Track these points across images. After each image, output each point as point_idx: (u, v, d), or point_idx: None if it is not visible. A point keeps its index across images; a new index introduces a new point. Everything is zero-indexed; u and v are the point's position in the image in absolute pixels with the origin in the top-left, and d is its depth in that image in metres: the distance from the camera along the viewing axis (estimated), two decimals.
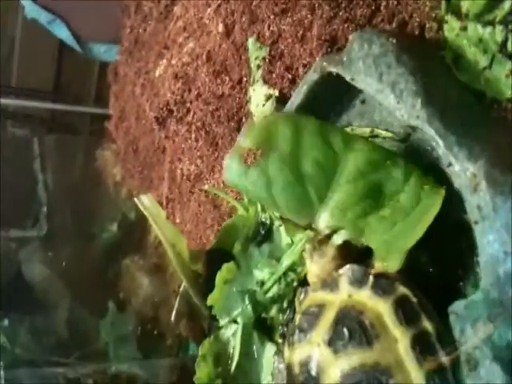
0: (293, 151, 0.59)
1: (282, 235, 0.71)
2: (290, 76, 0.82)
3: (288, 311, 0.68)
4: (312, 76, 0.65)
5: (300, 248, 0.66)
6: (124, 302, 1.64)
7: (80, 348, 1.54)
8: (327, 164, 0.58)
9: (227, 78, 0.99)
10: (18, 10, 2.00)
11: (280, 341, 0.69)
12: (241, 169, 0.61)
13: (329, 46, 0.74)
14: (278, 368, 0.66)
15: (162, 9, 1.36)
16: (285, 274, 0.68)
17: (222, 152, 1.01)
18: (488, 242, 0.46)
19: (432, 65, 0.55)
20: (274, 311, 0.70)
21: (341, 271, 0.55)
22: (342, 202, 0.57)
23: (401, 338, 0.49)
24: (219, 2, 1.04)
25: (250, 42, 0.90)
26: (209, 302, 0.74)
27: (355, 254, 0.57)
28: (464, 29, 0.54)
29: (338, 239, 0.56)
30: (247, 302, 0.71)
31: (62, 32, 2.02)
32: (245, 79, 0.94)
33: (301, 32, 0.80)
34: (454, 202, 0.52)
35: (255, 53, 0.89)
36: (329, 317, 0.53)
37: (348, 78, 0.59)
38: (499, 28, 0.51)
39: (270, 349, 0.70)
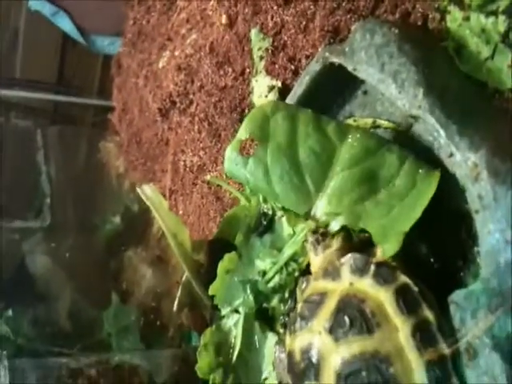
0: (289, 141, 0.60)
1: (284, 225, 0.71)
2: (292, 67, 0.82)
3: (289, 301, 0.68)
4: (314, 66, 0.65)
5: (301, 238, 0.66)
6: (127, 293, 1.65)
7: (83, 339, 1.55)
8: (323, 153, 0.58)
9: (230, 70, 0.99)
10: (22, 2, 2.00)
11: (281, 331, 0.69)
12: (240, 159, 0.62)
13: (331, 37, 0.74)
14: (280, 358, 0.66)
15: (166, 0, 1.36)
16: (286, 263, 0.68)
17: (225, 143, 1.01)
18: (489, 232, 0.46)
19: (434, 55, 0.55)
20: (275, 301, 0.71)
21: (343, 260, 0.55)
22: (338, 189, 0.58)
23: (401, 327, 0.49)
24: None
25: (253, 33, 0.90)
26: (210, 291, 0.74)
27: (358, 245, 0.57)
28: (467, 19, 0.54)
29: (336, 226, 0.57)
30: (249, 291, 0.71)
31: (66, 24, 2.02)
32: (247, 70, 0.93)
33: (304, 23, 0.80)
34: (455, 192, 0.52)
35: (258, 44, 0.89)
36: (330, 305, 0.53)
37: (350, 68, 0.59)
38: (502, 18, 0.51)
39: (271, 338, 0.70)
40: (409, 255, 0.55)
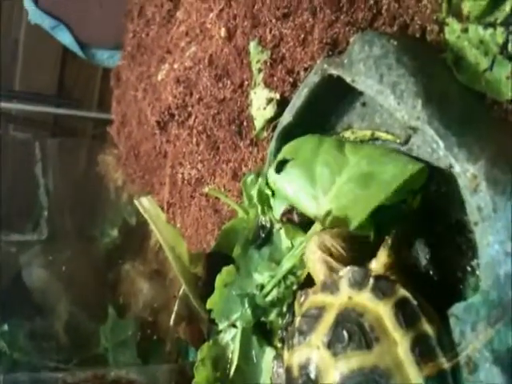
0: (310, 158, 0.65)
1: (282, 238, 0.71)
2: (291, 79, 0.82)
3: (287, 315, 0.68)
4: (313, 78, 0.65)
5: (300, 251, 0.66)
6: (124, 306, 1.64)
7: (79, 353, 1.54)
8: (335, 164, 0.62)
9: (229, 82, 0.99)
10: (22, 14, 2.01)
11: (279, 345, 0.68)
12: (275, 174, 0.68)
13: (330, 50, 0.74)
14: (277, 373, 0.65)
15: (165, 13, 1.36)
16: (284, 277, 0.68)
17: (223, 156, 1.01)
18: (488, 243, 0.46)
19: (433, 66, 0.55)
20: (273, 315, 0.70)
21: (341, 273, 0.55)
22: (339, 190, 0.60)
23: (401, 341, 0.49)
24: (221, 6, 1.05)
25: (252, 45, 0.90)
26: (208, 305, 0.74)
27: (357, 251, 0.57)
28: (465, 31, 0.54)
29: (327, 221, 0.59)
30: (247, 305, 0.71)
31: (66, 38, 2.03)
32: (246, 83, 0.94)
33: (302, 35, 0.80)
34: (454, 204, 0.51)
35: (257, 56, 0.89)
36: (328, 319, 0.52)
37: (349, 80, 0.59)
38: (500, 30, 0.51)
39: (269, 353, 0.70)
40: (408, 267, 0.54)
